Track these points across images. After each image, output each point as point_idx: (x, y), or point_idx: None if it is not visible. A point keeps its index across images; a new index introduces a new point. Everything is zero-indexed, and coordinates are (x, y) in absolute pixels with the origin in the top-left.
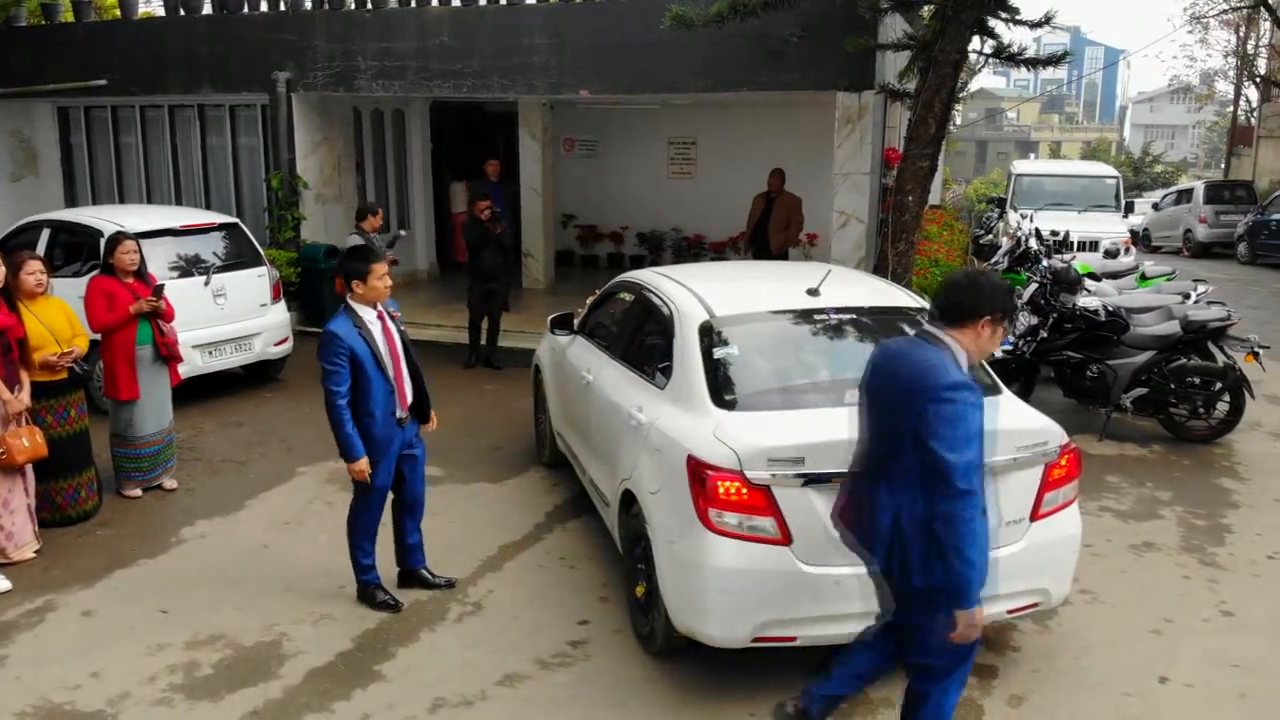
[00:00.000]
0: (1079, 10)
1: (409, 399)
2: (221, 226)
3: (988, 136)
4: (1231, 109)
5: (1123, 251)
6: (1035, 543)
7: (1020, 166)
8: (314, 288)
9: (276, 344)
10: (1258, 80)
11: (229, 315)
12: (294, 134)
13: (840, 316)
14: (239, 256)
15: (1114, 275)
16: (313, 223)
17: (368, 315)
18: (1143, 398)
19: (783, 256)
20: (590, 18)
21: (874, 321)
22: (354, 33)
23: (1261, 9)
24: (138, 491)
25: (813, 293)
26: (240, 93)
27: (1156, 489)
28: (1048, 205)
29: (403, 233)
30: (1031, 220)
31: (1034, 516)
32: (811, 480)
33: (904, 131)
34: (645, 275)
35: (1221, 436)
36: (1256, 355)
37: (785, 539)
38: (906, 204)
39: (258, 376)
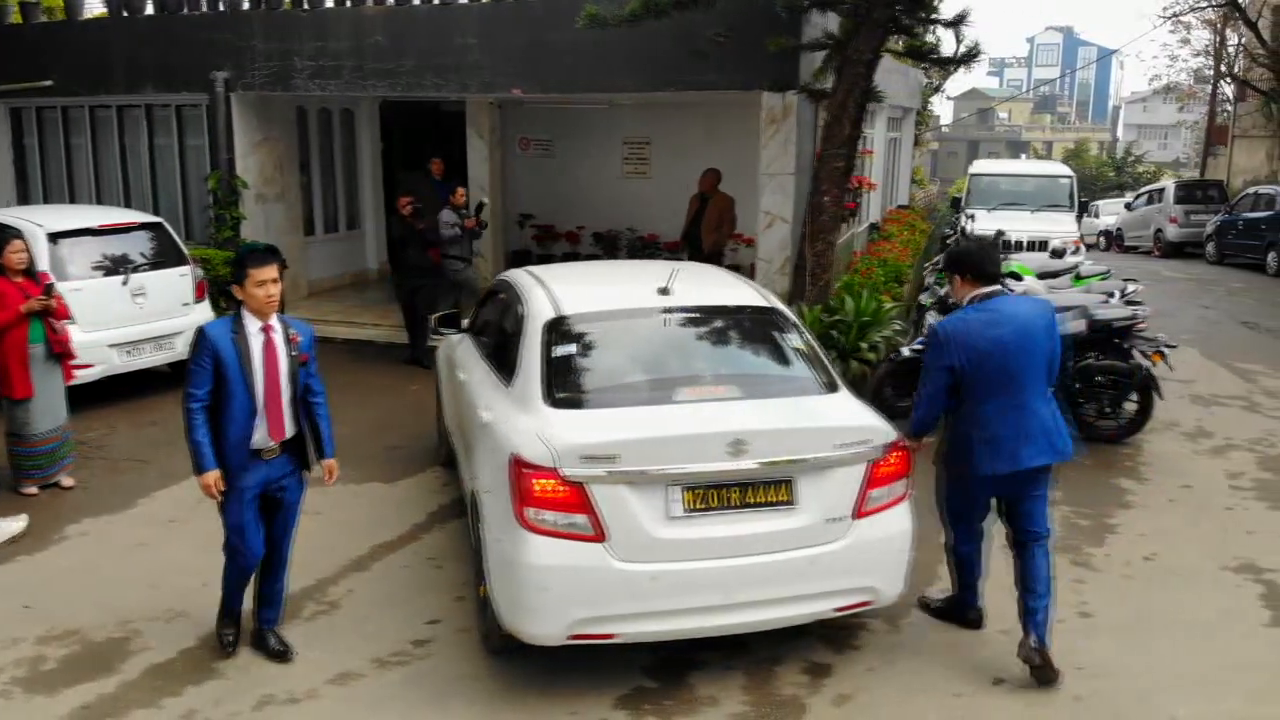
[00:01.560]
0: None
1: (286, 430)
2: (143, 226)
3: (979, 136)
4: (1208, 108)
5: (1069, 251)
6: (859, 540)
7: (976, 167)
8: None
9: None
10: (1228, 79)
11: (148, 314)
12: (233, 134)
13: (686, 315)
14: (161, 256)
15: (1052, 275)
16: (253, 222)
17: (251, 326)
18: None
19: (716, 257)
20: (521, 18)
21: (720, 320)
22: (290, 32)
23: (1234, 9)
24: (34, 489)
25: (664, 292)
26: (181, 93)
27: (1057, 488)
28: (1001, 205)
29: (485, 200)
30: (973, 220)
31: (857, 514)
32: (628, 477)
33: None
34: (514, 274)
35: (1131, 436)
36: (1163, 355)
37: (600, 536)
38: (823, 204)
39: (182, 376)
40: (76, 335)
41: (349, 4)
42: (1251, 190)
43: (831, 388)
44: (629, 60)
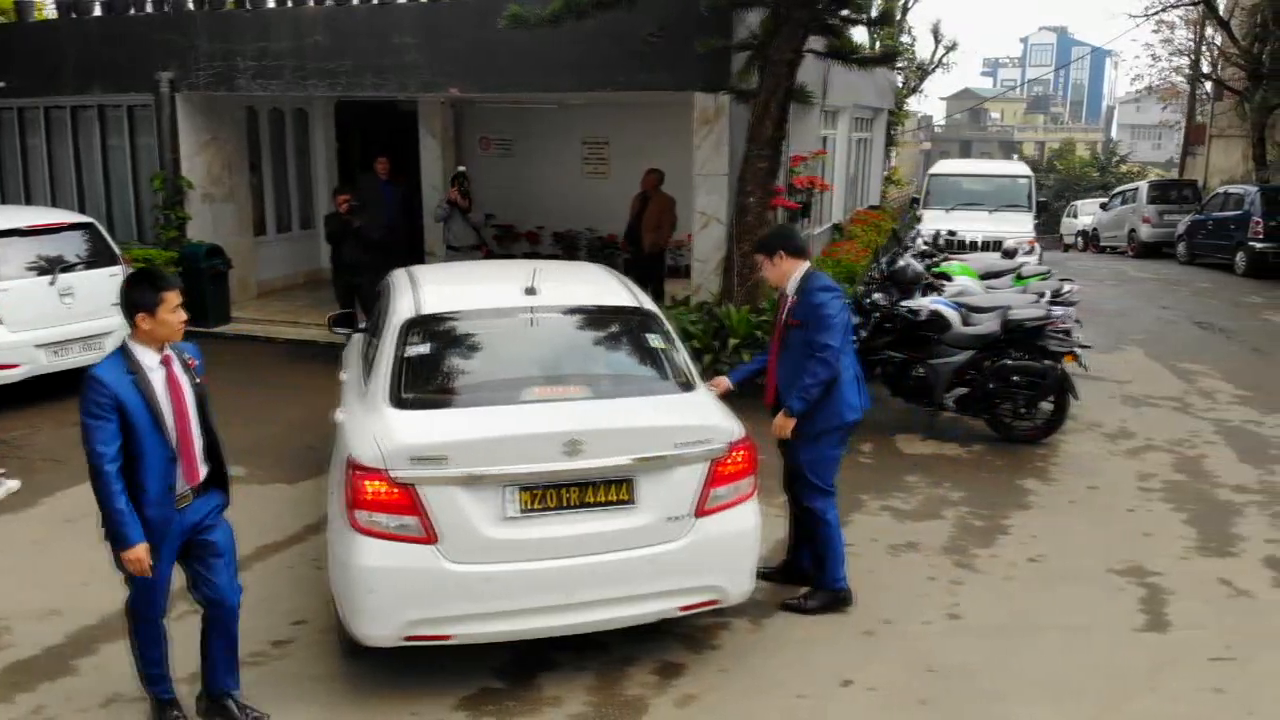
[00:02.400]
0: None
1: (200, 471)
2: (75, 226)
3: (971, 136)
4: (1185, 108)
5: (1023, 251)
6: (701, 539)
7: (936, 168)
8: (195, 286)
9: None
10: (1202, 79)
11: (77, 314)
12: (178, 134)
13: (550, 315)
14: (92, 256)
15: (996, 275)
16: (199, 222)
17: (148, 359)
18: (966, 397)
19: (656, 257)
20: (459, 18)
21: (583, 320)
22: (233, 32)
23: (1207, 9)
24: None
25: (530, 291)
26: (129, 93)
27: (953, 489)
28: (960, 205)
29: (461, 169)
30: (919, 221)
31: (699, 512)
32: (459, 479)
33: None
34: (395, 274)
35: (1048, 436)
36: (1076, 356)
37: (431, 538)
38: (748, 205)
39: None
40: (3, 336)
41: (290, 3)
42: (1221, 190)
43: (688, 387)
44: (566, 60)
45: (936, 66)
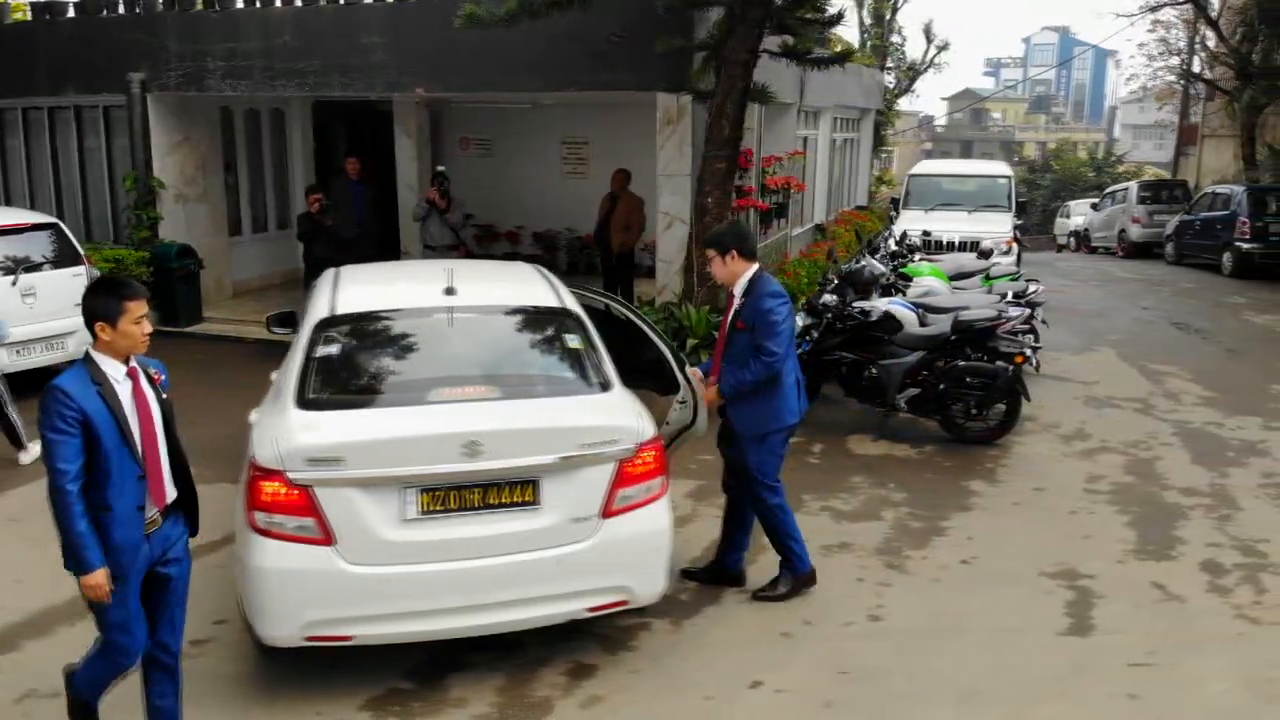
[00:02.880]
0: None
1: (168, 493)
2: (38, 226)
3: (973, 136)
4: (1179, 108)
5: (1000, 251)
6: (608, 540)
7: (916, 168)
8: (166, 286)
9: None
10: (1191, 79)
11: (39, 315)
12: (149, 134)
13: (467, 315)
14: (55, 256)
15: (966, 275)
16: (172, 222)
17: (113, 370)
18: (918, 398)
19: (625, 257)
20: (422, 18)
21: (502, 320)
22: (203, 33)
23: (1196, 8)
24: None
25: (449, 291)
26: (101, 94)
27: (896, 490)
28: (939, 206)
29: (440, 169)
30: (894, 221)
31: (606, 513)
32: (356, 480)
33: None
34: (325, 274)
35: (1000, 437)
36: (1026, 357)
37: (328, 539)
38: (707, 205)
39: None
40: None
41: (259, 4)
42: (1209, 190)
43: (605, 387)
44: (529, 60)
45: (928, 66)
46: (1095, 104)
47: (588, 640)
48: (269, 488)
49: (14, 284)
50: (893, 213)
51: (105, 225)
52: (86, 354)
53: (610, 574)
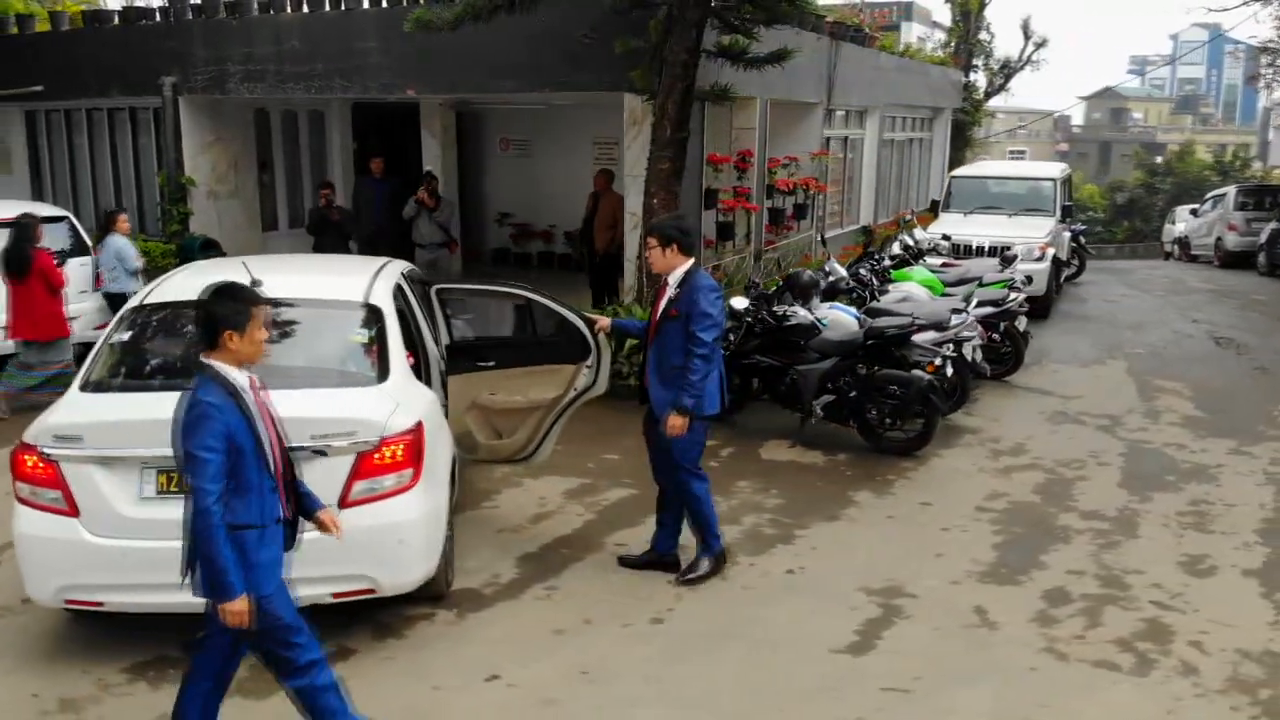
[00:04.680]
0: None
1: (289, 505)
2: (49, 219)
3: (1111, 138)
4: None
5: (1034, 258)
6: (345, 529)
7: (960, 169)
8: None
9: (96, 328)
10: None
11: None
12: (180, 134)
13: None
14: (65, 247)
15: (961, 282)
16: (203, 218)
17: (239, 380)
18: (833, 404)
19: (612, 257)
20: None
21: (296, 312)
22: (223, 40)
23: None
24: None
25: (255, 284)
26: (141, 96)
27: (775, 497)
28: (979, 209)
29: (429, 169)
30: (911, 225)
31: (344, 504)
32: (95, 458)
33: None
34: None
35: (920, 449)
36: (937, 366)
37: (74, 511)
38: (652, 206)
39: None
40: None
41: (271, 11)
42: None
43: (376, 381)
44: (507, 62)
45: (1024, 64)
46: (1248, 105)
47: (365, 627)
48: (29, 460)
49: None
50: (908, 218)
51: (140, 219)
52: (208, 365)
53: (350, 563)
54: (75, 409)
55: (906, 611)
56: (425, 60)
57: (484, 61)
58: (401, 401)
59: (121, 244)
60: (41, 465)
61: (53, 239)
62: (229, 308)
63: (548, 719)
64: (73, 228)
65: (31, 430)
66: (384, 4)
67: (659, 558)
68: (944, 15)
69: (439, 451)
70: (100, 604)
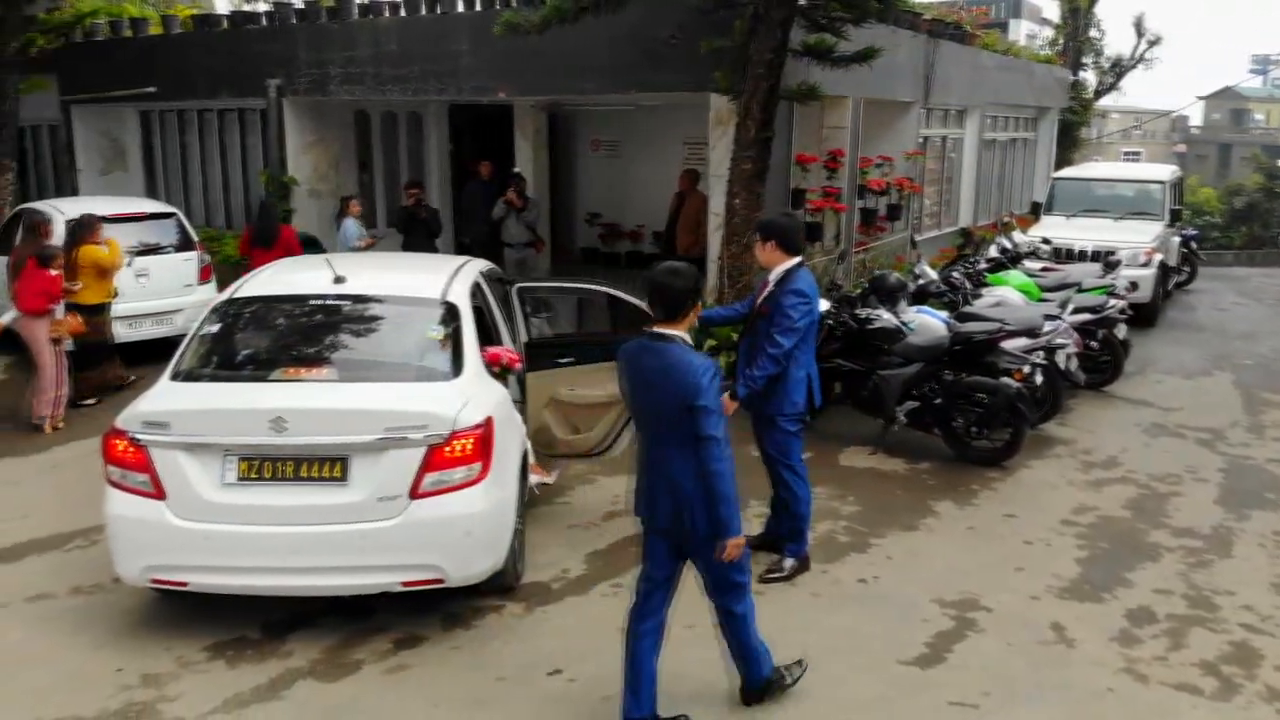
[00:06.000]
0: None
1: None
2: (155, 215)
3: (1231, 139)
4: None
5: (1140, 263)
6: (415, 520)
7: (1063, 171)
8: None
9: None
10: None
11: (149, 293)
12: (284, 135)
13: (345, 302)
14: (172, 242)
15: (1060, 288)
16: (305, 215)
17: None
18: (917, 411)
19: (694, 260)
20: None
21: (377, 308)
22: (325, 43)
23: None
24: None
25: (338, 280)
26: (247, 98)
27: (852, 504)
28: (1083, 212)
29: (516, 171)
30: (1010, 229)
31: (414, 495)
32: (181, 444)
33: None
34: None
35: (1008, 458)
36: (1025, 375)
37: (160, 494)
38: (735, 207)
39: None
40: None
41: (370, 16)
42: None
43: (450, 377)
44: (594, 63)
45: (1137, 63)
46: None
47: (434, 616)
48: (119, 445)
49: (129, 264)
50: (1006, 220)
51: (246, 216)
52: (674, 335)
53: (419, 552)
54: (164, 397)
55: (980, 625)
56: (514, 62)
57: (569, 63)
58: (472, 397)
59: (349, 225)
60: (131, 450)
61: (162, 234)
62: (695, 283)
63: (606, 715)
64: (180, 224)
65: (123, 416)
66: (477, 7)
67: (777, 539)
68: (1053, 11)
69: (509, 447)
70: (184, 584)
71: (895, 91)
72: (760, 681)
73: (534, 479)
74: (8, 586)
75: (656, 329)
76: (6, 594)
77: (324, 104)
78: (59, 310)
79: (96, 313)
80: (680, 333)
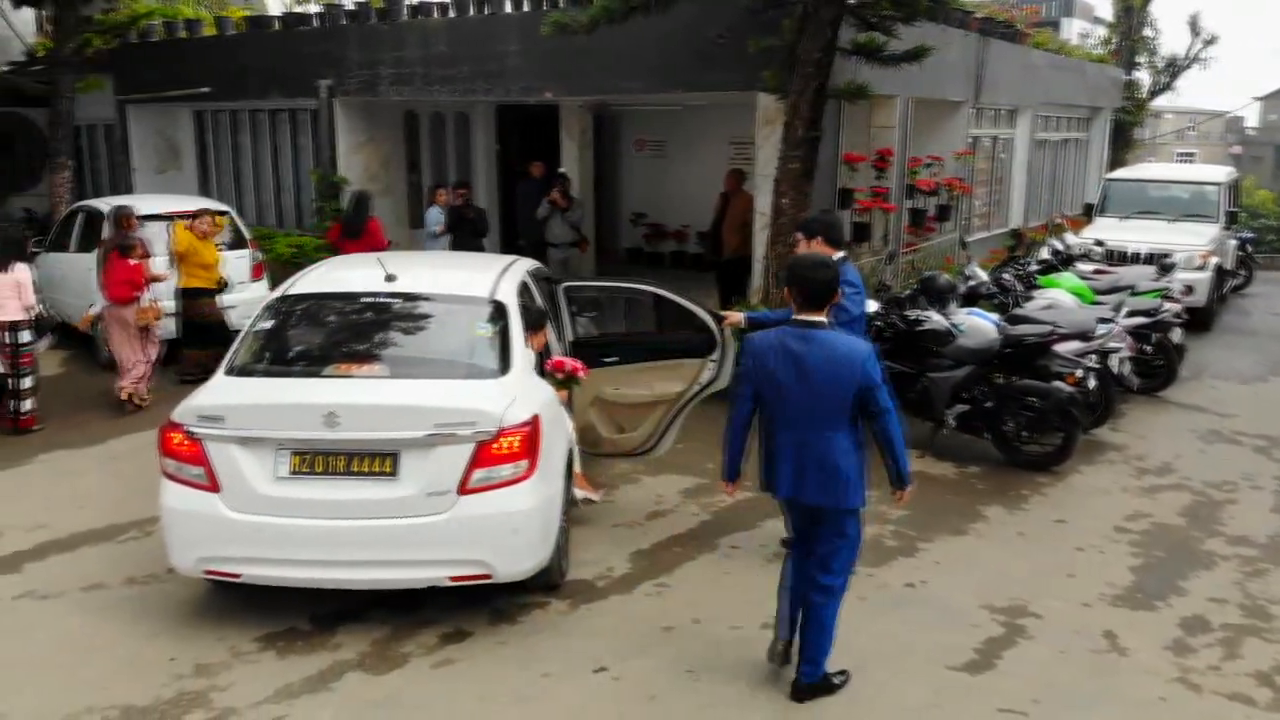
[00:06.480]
0: None
1: None
2: (211, 213)
3: None
4: None
5: (1195, 266)
6: (463, 515)
7: (1116, 171)
8: None
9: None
10: None
11: None
12: (335, 134)
13: (396, 300)
14: (225, 240)
15: (1113, 290)
16: None
17: None
18: (967, 415)
19: (740, 261)
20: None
21: (427, 306)
22: (375, 44)
23: None
24: None
25: (390, 278)
26: (299, 98)
27: (902, 507)
28: (1137, 214)
29: (562, 171)
30: (1062, 230)
31: (462, 490)
32: (235, 437)
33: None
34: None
35: (1059, 464)
36: (1077, 379)
37: (215, 487)
38: (782, 206)
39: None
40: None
41: (419, 17)
42: None
43: (498, 374)
44: (642, 63)
45: (1192, 62)
46: None
47: (480, 611)
48: (175, 438)
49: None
50: (1058, 220)
51: (297, 215)
52: (822, 322)
53: (466, 548)
54: (219, 391)
55: (1030, 632)
56: (562, 62)
57: (617, 63)
58: (520, 395)
59: (433, 212)
60: (186, 443)
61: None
62: (836, 275)
63: (650, 715)
64: (233, 222)
65: (178, 410)
66: (525, 7)
67: None
68: (1106, 10)
69: (555, 445)
70: (237, 576)
71: (945, 91)
72: (817, 678)
73: (579, 493)
74: (64, 576)
75: (804, 318)
76: (63, 583)
77: (374, 104)
78: (144, 298)
79: (192, 296)
80: (825, 319)
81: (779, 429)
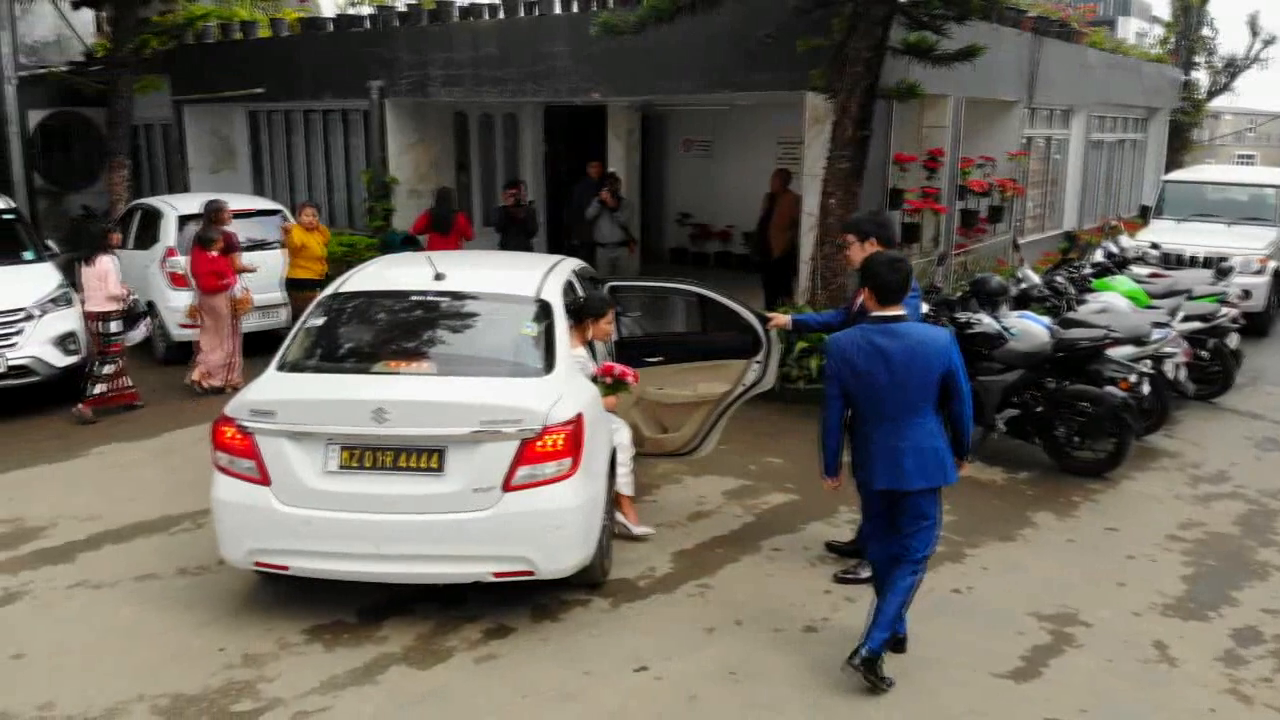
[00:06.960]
0: None
1: None
2: (262, 212)
3: None
4: None
5: (1250, 270)
6: (507, 512)
7: (1174, 173)
8: None
9: None
10: None
11: (257, 287)
12: (386, 135)
13: (444, 298)
14: (278, 238)
15: (1169, 294)
16: (405, 214)
17: None
18: (1018, 419)
19: (786, 261)
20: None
21: (475, 305)
22: (426, 45)
23: None
24: None
25: (438, 277)
26: (350, 99)
27: (949, 513)
28: (1195, 216)
29: (611, 171)
30: (1118, 232)
31: (507, 487)
32: (286, 432)
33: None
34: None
35: (1111, 470)
36: (1130, 384)
37: (265, 480)
38: (830, 207)
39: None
40: (185, 298)
41: (470, 19)
42: None
43: (542, 372)
44: (689, 63)
45: (1252, 62)
46: None
47: (523, 607)
48: (227, 432)
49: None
50: (1113, 223)
51: (349, 215)
52: (900, 315)
53: (510, 544)
54: (271, 386)
55: (1079, 640)
56: (610, 63)
57: (664, 63)
58: (564, 393)
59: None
60: (239, 437)
61: (269, 230)
62: (910, 273)
63: (691, 715)
64: (285, 221)
65: (231, 404)
66: (574, 9)
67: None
68: (1164, 9)
69: (598, 444)
70: (286, 568)
71: (997, 90)
72: (878, 649)
73: (621, 519)
74: (117, 566)
75: (883, 313)
76: (116, 573)
77: (424, 105)
78: (236, 288)
79: (297, 288)
80: (903, 312)
81: (873, 424)
